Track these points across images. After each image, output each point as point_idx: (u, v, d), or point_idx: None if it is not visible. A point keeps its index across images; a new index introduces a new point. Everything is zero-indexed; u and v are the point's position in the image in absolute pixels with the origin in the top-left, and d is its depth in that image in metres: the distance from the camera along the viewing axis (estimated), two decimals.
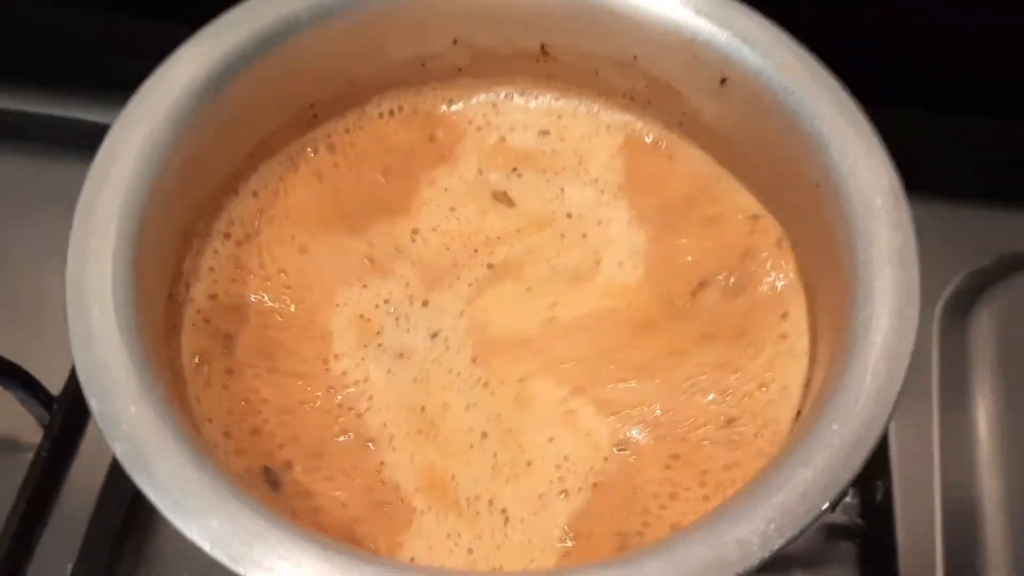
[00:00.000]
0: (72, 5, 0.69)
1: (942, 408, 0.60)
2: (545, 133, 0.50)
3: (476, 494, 0.40)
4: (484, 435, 0.42)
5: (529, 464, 0.41)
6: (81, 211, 0.39)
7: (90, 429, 0.59)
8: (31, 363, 0.57)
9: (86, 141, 0.68)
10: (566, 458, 0.41)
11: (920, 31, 0.60)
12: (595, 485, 0.41)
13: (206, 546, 0.32)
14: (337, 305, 0.45)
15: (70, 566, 0.55)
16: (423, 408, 0.42)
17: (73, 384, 0.58)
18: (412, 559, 0.39)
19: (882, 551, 0.55)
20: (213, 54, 0.43)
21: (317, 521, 0.39)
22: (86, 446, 0.58)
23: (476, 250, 0.47)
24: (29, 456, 0.56)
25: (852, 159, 0.41)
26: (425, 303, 0.45)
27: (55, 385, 0.58)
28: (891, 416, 0.35)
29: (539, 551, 0.39)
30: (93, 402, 0.35)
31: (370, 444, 0.41)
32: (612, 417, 0.42)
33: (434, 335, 0.44)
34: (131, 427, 0.34)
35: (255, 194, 0.47)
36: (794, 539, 0.33)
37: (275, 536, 0.32)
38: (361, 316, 0.45)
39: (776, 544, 0.32)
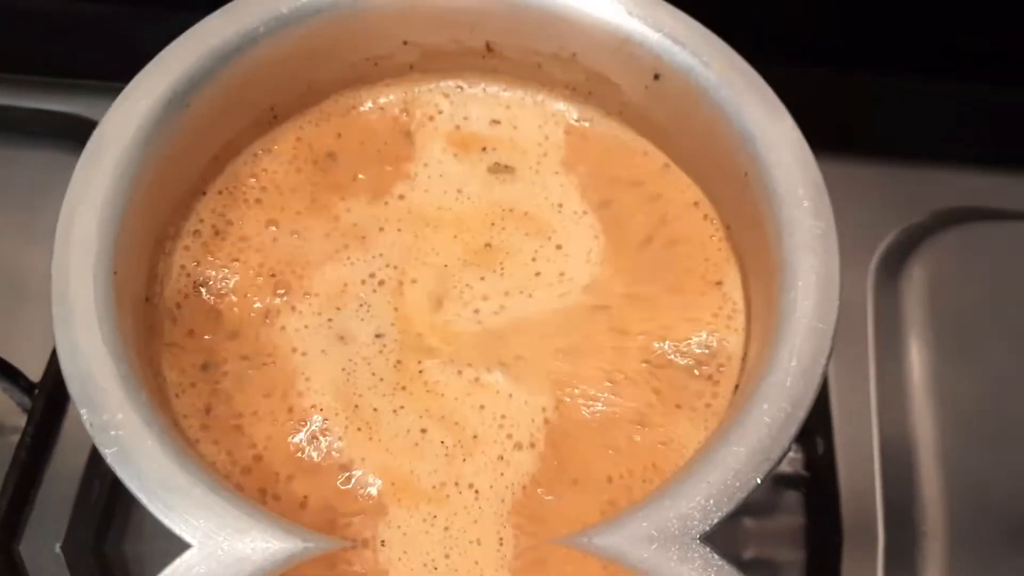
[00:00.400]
0: None
1: (878, 360, 0.63)
2: (496, 122, 0.53)
3: (441, 481, 0.43)
4: (423, 431, 0.44)
5: (475, 437, 0.44)
6: (61, 232, 0.41)
7: (71, 412, 0.61)
8: (10, 351, 0.59)
9: (56, 130, 0.70)
10: (503, 416, 0.45)
11: None
12: (547, 434, 0.44)
13: (195, 544, 0.35)
14: (307, 294, 0.47)
15: (59, 544, 0.57)
16: (356, 407, 0.45)
17: (52, 370, 0.60)
18: (383, 543, 0.42)
19: (826, 499, 0.59)
20: (177, 71, 0.45)
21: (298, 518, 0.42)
22: (68, 429, 0.61)
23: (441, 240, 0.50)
24: (13, 440, 0.59)
25: (776, 151, 0.44)
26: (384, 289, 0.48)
27: (35, 371, 0.61)
28: (816, 393, 0.39)
29: (518, 514, 0.43)
30: (84, 413, 0.37)
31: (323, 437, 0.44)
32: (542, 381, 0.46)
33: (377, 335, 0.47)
34: (119, 434, 0.37)
35: (221, 192, 0.50)
36: (731, 513, 0.36)
37: (259, 531, 0.35)
38: (328, 295, 0.47)
39: (715, 518, 0.36)
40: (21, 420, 0.60)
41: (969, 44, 0.69)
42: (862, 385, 0.62)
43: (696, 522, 0.36)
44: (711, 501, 0.36)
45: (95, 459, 0.60)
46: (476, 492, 0.43)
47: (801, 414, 0.38)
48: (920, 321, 0.65)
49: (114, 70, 0.71)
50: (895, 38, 0.70)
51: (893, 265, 0.67)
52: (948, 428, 0.62)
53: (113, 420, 0.37)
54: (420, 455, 0.44)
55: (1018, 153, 0.71)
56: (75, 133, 0.70)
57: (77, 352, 0.39)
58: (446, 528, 0.42)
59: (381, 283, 0.48)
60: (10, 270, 0.67)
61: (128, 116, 0.44)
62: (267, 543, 0.35)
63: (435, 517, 0.42)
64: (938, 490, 0.60)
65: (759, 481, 0.37)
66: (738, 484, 0.37)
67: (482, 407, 0.45)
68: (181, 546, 0.58)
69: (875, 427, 0.61)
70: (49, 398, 0.60)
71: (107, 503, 0.60)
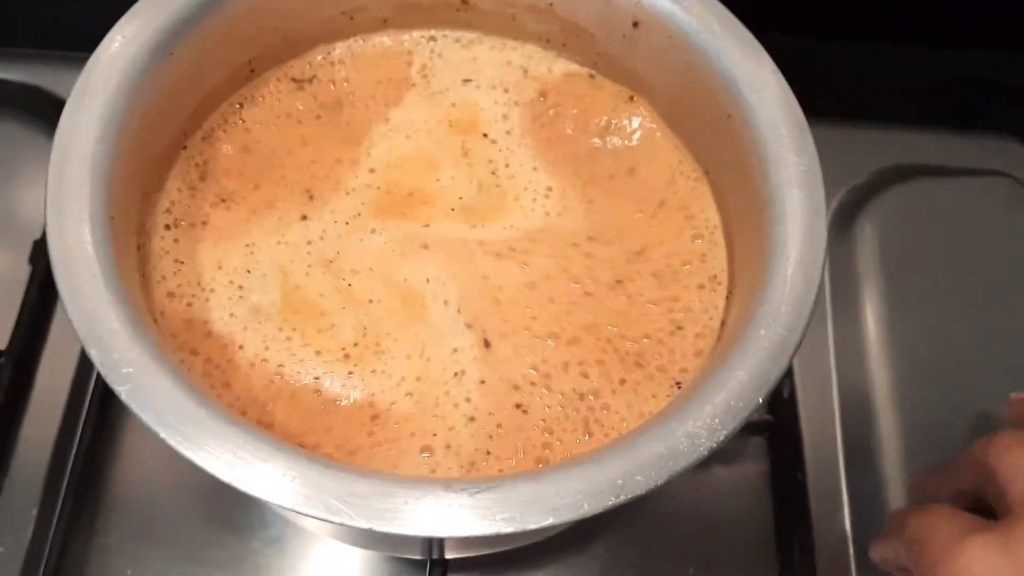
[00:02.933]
0: None
1: (834, 312, 0.66)
2: (468, 80, 0.53)
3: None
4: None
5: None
6: (53, 177, 0.41)
7: (39, 380, 0.61)
8: None
9: (6, 101, 0.70)
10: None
11: None
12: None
13: (219, 475, 0.35)
14: (279, 241, 0.48)
15: (35, 511, 0.57)
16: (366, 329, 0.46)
17: (18, 338, 0.60)
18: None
19: (789, 442, 0.61)
20: (159, 19, 0.45)
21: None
22: (37, 396, 0.60)
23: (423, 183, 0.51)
24: None
25: (759, 92, 0.45)
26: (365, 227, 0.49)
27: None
28: (810, 319, 0.40)
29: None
30: (93, 352, 0.37)
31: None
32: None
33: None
34: (131, 371, 0.37)
35: (203, 139, 0.50)
36: (736, 430, 0.37)
37: (276, 460, 0.36)
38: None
39: (721, 435, 0.37)
40: None
41: (907, 6, 0.71)
42: (821, 334, 0.65)
43: (703, 439, 0.37)
44: (716, 420, 0.37)
45: (67, 427, 0.59)
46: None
47: (796, 338, 0.40)
48: (871, 273, 0.68)
49: (62, 39, 0.71)
50: (834, 2, 0.72)
51: (843, 222, 0.70)
52: (901, 371, 0.65)
53: (124, 359, 0.37)
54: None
55: (954, 111, 0.74)
56: (28, 103, 0.70)
57: (80, 294, 0.38)
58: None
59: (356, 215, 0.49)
60: None
61: (114, 62, 0.44)
62: (287, 471, 0.36)
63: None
64: (893, 426, 0.63)
65: (760, 401, 0.38)
66: (741, 404, 0.38)
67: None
68: (155, 513, 0.59)
69: (833, 372, 0.63)
70: (17, 365, 0.60)
71: (83, 469, 0.60)
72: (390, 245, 0.48)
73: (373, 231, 0.48)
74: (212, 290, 0.46)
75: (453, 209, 0.49)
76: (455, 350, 0.45)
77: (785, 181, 0.44)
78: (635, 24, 0.49)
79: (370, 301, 0.46)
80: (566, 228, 0.49)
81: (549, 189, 0.50)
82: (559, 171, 0.51)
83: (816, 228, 0.42)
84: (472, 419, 0.44)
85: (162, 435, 0.36)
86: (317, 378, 0.44)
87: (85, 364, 0.62)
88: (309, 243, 0.48)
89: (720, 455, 0.58)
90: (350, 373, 0.44)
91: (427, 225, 0.49)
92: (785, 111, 0.45)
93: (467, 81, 0.53)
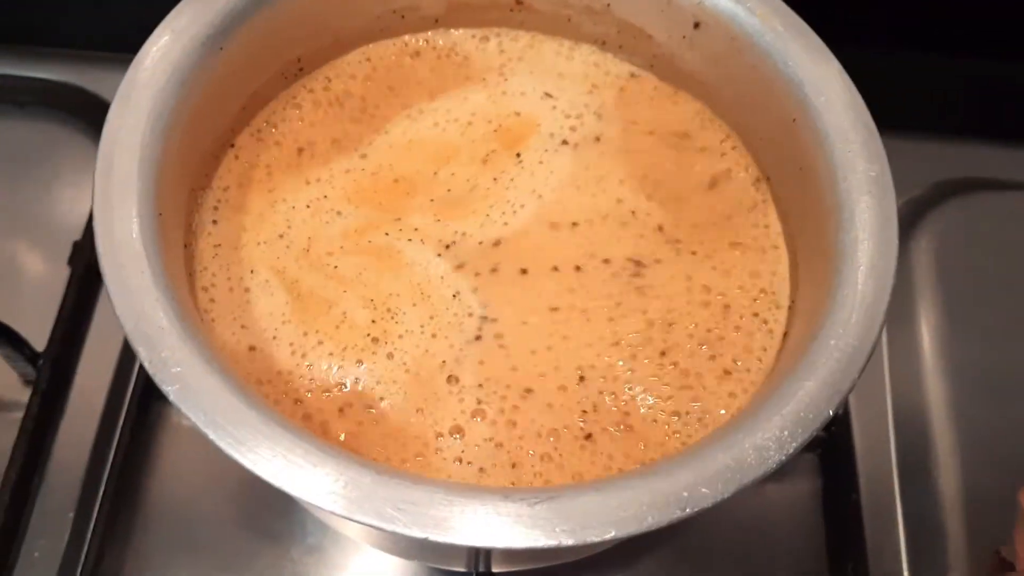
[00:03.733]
0: None
1: (889, 326, 0.64)
2: (548, 95, 0.52)
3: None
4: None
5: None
6: (101, 172, 0.40)
7: (77, 381, 0.60)
8: (11, 321, 0.58)
9: (47, 99, 0.69)
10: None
11: None
12: None
13: (270, 479, 0.34)
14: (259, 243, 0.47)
15: (71, 515, 0.56)
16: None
17: (57, 339, 0.59)
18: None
19: (842, 460, 0.60)
20: (210, 13, 0.44)
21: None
22: (75, 398, 0.59)
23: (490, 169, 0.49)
24: (17, 416, 0.57)
25: (826, 96, 0.44)
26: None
27: (38, 342, 0.59)
28: (882, 329, 0.39)
29: None
30: (141, 350, 0.36)
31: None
32: None
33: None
34: (180, 370, 0.36)
35: (252, 136, 0.49)
36: (806, 442, 0.36)
37: (328, 464, 0.35)
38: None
39: (791, 448, 0.36)
40: (24, 395, 0.59)
41: (970, 18, 0.70)
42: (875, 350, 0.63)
43: (772, 452, 0.36)
44: (785, 432, 0.36)
45: (104, 430, 0.59)
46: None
47: (867, 349, 0.38)
48: (927, 287, 0.66)
49: (104, 39, 0.70)
50: (895, 12, 0.71)
51: (900, 236, 0.68)
52: (958, 386, 0.63)
53: (173, 357, 0.36)
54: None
55: (1014, 125, 0.73)
56: (66, 102, 0.69)
57: (128, 291, 0.37)
58: None
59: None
60: (5, 240, 0.66)
61: (164, 56, 0.43)
62: (339, 476, 0.34)
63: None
64: (950, 444, 0.61)
65: (831, 413, 0.37)
66: (811, 416, 0.36)
67: None
68: (195, 516, 0.58)
69: (888, 388, 0.62)
70: (55, 367, 0.59)
71: (121, 473, 0.58)
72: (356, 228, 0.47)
73: (339, 214, 0.47)
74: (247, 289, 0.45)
75: (432, 200, 0.48)
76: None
77: (854, 187, 0.42)
78: (696, 25, 0.48)
79: (360, 273, 0.46)
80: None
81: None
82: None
83: (887, 235, 0.41)
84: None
85: (211, 437, 0.35)
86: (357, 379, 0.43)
87: (124, 367, 0.61)
88: (281, 236, 0.47)
89: (763, 479, 0.57)
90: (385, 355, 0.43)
91: (398, 218, 0.48)
92: (853, 115, 0.44)
93: (547, 96, 0.52)
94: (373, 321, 0.44)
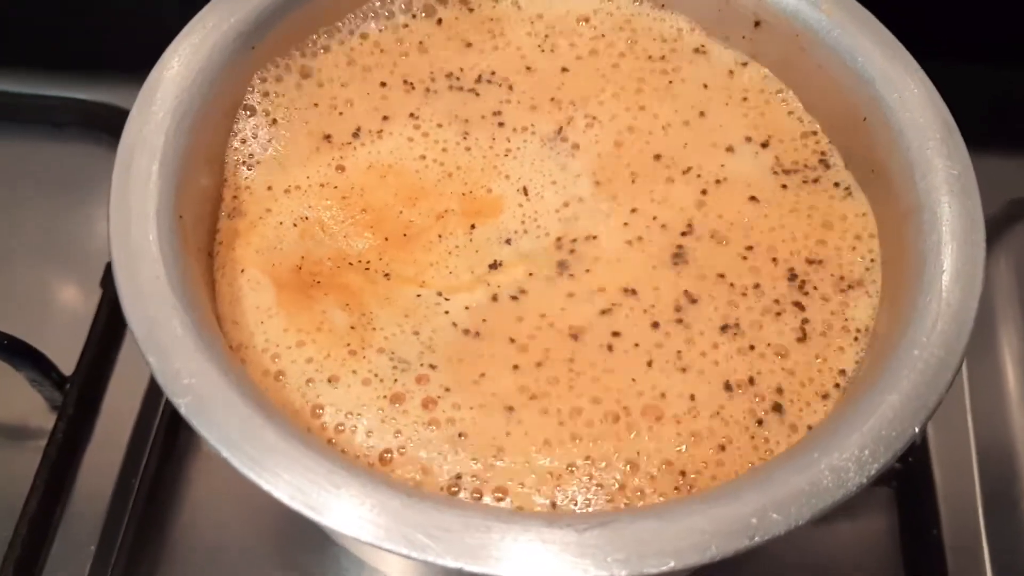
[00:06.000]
0: None
1: (969, 352, 0.60)
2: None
3: None
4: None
5: None
6: (119, 171, 0.38)
7: (105, 408, 0.57)
8: (39, 346, 0.55)
9: (83, 119, 0.67)
10: None
11: None
12: None
13: (287, 500, 0.31)
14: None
15: (93, 548, 0.53)
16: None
17: (85, 363, 0.56)
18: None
19: (922, 493, 0.55)
20: (242, 12, 0.42)
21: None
22: (101, 426, 0.57)
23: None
24: (41, 443, 0.55)
25: (899, 92, 0.41)
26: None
27: (66, 367, 0.57)
28: (970, 338, 0.35)
29: None
30: (151, 359, 0.33)
31: None
32: None
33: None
34: (193, 382, 0.33)
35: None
36: (889, 463, 0.32)
37: (352, 486, 0.31)
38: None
39: (872, 469, 0.32)
40: (49, 421, 0.56)
41: None
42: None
43: (851, 474, 0.32)
44: (866, 451, 0.32)
45: (131, 458, 0.56)
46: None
47: (955, 360, 0.35)
48: (1008, 311, 0.62)
49: (139, 58, 0.69)
50: (969, 26, 0.68)
51: None
52: None
53: (186, 368, 0.33)
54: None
55: None
56: (103, 122, 0.67)
57: (141, 296, 0.35)
58: None
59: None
60: (39, 261, 0.64)
61: (194, 54, 0.40)
62: (365, 499, 0.31)
63: None
64: None
65: (916, 431, 0.33)
66: (894, 434, 0.33)
67: None
68: (217, 552, 0.55)
69: (969, 416, 0.58)
70: (82, 392, 0.57)
71: (145, 506, 0.55)
72: None
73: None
74: None
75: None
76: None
77: (934, 187, 0.39)
78: (756, 24, 0.45)
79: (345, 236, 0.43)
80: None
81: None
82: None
83: (973, 239, 0.37)
84: None
85: (224, 454, 0.32)
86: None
87: (153, 392, 0.58)
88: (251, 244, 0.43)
89: (841, 505, 0.53)
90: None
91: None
92: (932, 112, 0.40)
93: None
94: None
